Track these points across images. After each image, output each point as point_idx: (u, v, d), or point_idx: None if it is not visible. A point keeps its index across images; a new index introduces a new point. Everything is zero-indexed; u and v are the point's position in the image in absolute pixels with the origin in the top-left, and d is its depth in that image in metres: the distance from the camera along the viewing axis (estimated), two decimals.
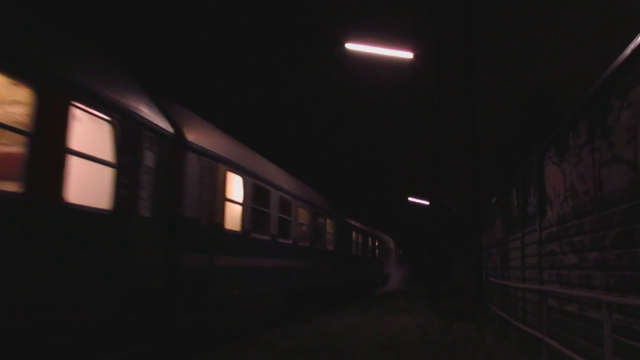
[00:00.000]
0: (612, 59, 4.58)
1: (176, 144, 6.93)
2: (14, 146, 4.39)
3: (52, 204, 4.68)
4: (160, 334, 6.39)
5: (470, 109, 14.14)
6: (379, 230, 29.45)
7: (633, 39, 4.15)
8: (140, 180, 6.14)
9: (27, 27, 4.87)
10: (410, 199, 34.61)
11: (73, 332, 4.99)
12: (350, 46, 12.82)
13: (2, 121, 4.16)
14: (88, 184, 5.31)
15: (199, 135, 7.56)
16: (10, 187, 4.26)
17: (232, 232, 8.39)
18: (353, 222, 19.66)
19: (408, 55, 13.23)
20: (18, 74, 4.37)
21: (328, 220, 15.38)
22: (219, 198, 7.95)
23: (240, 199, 8.80)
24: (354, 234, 19.66)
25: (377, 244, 26.77)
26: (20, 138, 4.34)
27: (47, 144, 4.62)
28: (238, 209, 8.70)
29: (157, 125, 6.48)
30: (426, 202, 28.75)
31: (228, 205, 8.25)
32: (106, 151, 5.53)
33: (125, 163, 5.79)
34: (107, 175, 5.54)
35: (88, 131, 5.29)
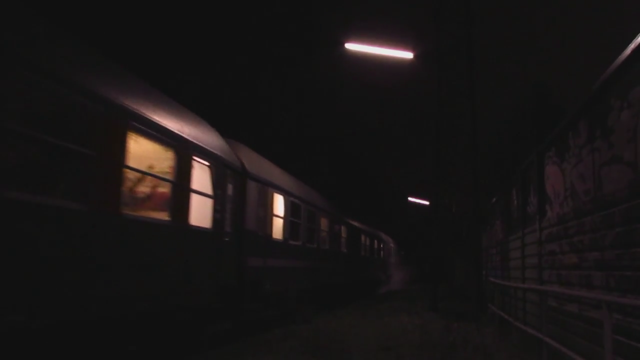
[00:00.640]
0: (612, 59, 4.59)
1: (241, 175, 8.94)
2: (165, 189, 6.50)
3: (184, 227, 6.81)
4: (232, 316, 8.50)
5: (470, 109, 14.15)
6: (382, 232, 30.15)
7: (633, 39, 4.15)
8: (225, 205, 8.18)
9: (176, 114, 6.95)
10: (410, 199, 34.61)
11: (193, 312, 7.21)
12: (350, 46, 12.83)
13: (158, 174, 6.37)
14: (199, 210, 7.31)
15: (255, 166, 9.64)
16: (164, 216, 6.45)
17: (276, 240, 10.58)
18: (362, 226, 21.60)
19: (408, 55, 13.24)
20: (168, 144, 6.53)
21: (342, 227, 17.67)
22: (269, 214, 10.12)
23: (281, 213, 10.97)
24: (362, 237, 21.85)
25: (381, 245, 28.51)
26: (168, 184, 6.49)
27: (182, 186, 6.76)
28: (280, 221, 10.94)
29: (232, 164, 8.50)
30: (426, 202, 28.79)
31: (274, 219, 10.47)
32: (207, 187, 7.61)
33: (218, 194, 7.87)
34: (208, 203, 7.64)
35: (198, 174, 7.29)
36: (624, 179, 4.38)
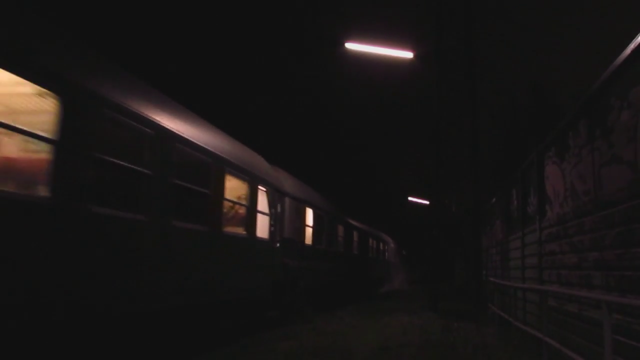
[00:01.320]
0: (612, 59, 4.58)
1: (283, 195, 11.06)
2: (243, 211, 8.95)
3: (253, 238, 9.27)
4: (279, 306, 10.85)
5: (470, 109, 14.14)
6: (383, 232, 30.92)
7: (633, 39, 4.15)
8: (275, 219, 10.47)
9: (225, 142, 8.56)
10: (410, 198, 34.61)
11: (257, 301, 9.67)
12: (350, 46, 12.82)
13: (240, 201, 8.76)
14: (261, 225, 9.65)
15: (291, 187, 11.74)
16: (242, 231, 8.83)
17: (307, 245, 12.93)
18: (366, 229, 23.47)
19: (408, 55, 13.24)
20: (245, 179, 8.88)
21: (354, 232, 20.19)
22: (301, 224, 12.42)
23: (310, 223, 13.27)
24: (367, 239, 24.21)
25: (383, 246, 30.28)
26: (244, 208, 8.91)
27: (252, 209, 9.19)
28: (310, 229, 13.25)
29: (278, 187, 10.73)
30: (426, 202, 28.83)
31: (306, 228, 12.83)
32: (265, 207, 9.95)
33: (271, 212, 10.24)
34: (266, 220, 10.02)
35: (261, 199, 9.67)
36: (624, 179, 4.38)
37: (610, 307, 4.13)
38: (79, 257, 4.82)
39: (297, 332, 9.55)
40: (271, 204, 10.17)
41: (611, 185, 4.69)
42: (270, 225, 10.12)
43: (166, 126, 6.30)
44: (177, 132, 6.56)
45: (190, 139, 6.91)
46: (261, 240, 9.61)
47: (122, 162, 5.50)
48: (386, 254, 31.04)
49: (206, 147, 7.31)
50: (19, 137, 4.38)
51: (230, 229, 8.29)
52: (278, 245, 10.53)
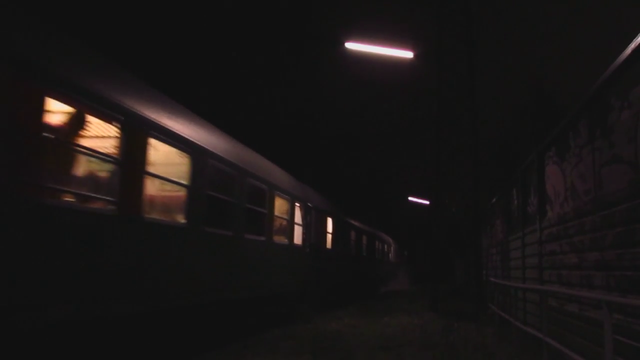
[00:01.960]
0: (612, 58, 4.58)
1: (309, 208, 12.87)
2: (285, 224, 11.00)
3: (292, 245, 11.36)
4: (307, 300, 12.68)
5: (470, 109, 14.13)
6: (383, 232, 31.30)
7: (633, 39, 4.15)
8: (306, 228, 12.51)
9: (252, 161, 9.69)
10: (410, 198, 34.60)
11: (293, 296, 11.63)
12: (350, 45, 12.81)
13: (284, 217, 10.83)
14: (296, 234, 11.69)
15: (314, 200, 13.56)
16: (285, 240, 10.91)
17: (328, 249, 15.02)
18: (370, 230, 24.79)
19: (408, 54, 13.23)
20: (287, 198, 10.99)
21: (364, 236, 22.23)
22: (323, 231, 14.43)
23: (329, 230, 15.20)
24: (370, 241, 25.77)
25: (386, 247, 31.33)
26: (286, 221, 11.02)
27: (291, 221, 11.26)
28: (329, 236, 15.20)
29: (306, 201, 12.65)
30: (426, 202, 28.84)
31: (327, 235, 14.91)
32: (299, 219, 12.01)
33: (304, 223, 12.30)
34: (300, 229, 12.02)
35: (297, 212, 11.77)
36: (624, 179, 4.38)
37: (611, 307, 4.13)
38: (206, 259, 7.34)
39: (297, 332, 9.55)
40: (303, 216, 12.37)
41: (611, 185, 4.69)
42: (303, 233, 12.32)
43: (244, 167, 8.55)
44: (250, 170, 8.83)
45: (257, 174, 9.20)
46: (297, 246, 11.76)
47: (220, 196, 7.72)
48: (387, 254, 31.74)
49: (265, 177, 9.60)
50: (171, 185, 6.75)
51: (277, 238, 10.37)
52: (308, 250, 12.67)
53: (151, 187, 6.08)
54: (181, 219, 6.67)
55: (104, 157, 5.18)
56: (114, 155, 5.23)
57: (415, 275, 42.35)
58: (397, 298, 21.53)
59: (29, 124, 4.27)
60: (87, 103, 4.88)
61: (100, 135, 5.40)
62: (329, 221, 15.16)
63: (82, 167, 5.08)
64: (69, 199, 4.81)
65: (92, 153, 5.00)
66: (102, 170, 5.34)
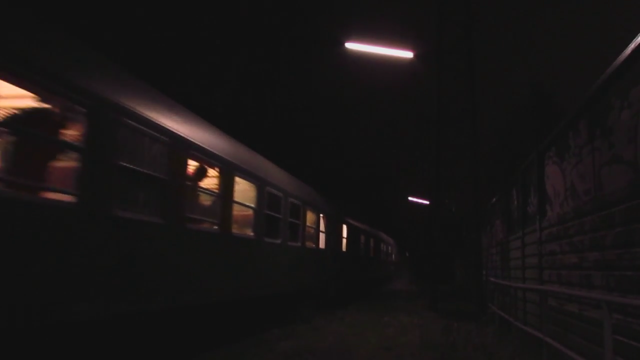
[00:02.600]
0: (612, 58, 4.58)
1: (329, 216, 14.93)
2: (314, 232, 13.26)
3: (319, 249, 13.67)
4: (327, 296, 14.89)
5: (470, 109, 14.13)
6: (384, 233, 31.74)
7: (633, 39, 4.15)
8: (328, 235, 14.74)
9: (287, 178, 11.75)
10: (410, 198, 34.60)
11: (318, 291, 13.71)
12: (350, 46, 12.81)
13: (313, 226, 13.11)
14: (322, 240, 13.88)
15: (332, 210, 15.45)
16: (314, 245, 13.17)
17: (343, 251, 17.19)
18: (374, 232, 26.34)
19: (408, 54, 13.22)
20: (316, 211, 13.27)
21: (371, 239, 24.54)
22: (340, 237, 16.63)
23: (345, 235, 17.48)
24: (382, 245, 28.99)
25: (387, 248, 32.68)
26: (316, 230, 13.38)
27: (319, 230, 13.65)
28: (344, 240, 17.47)
29: (327, 211, 14.65)
30: (426, 202, 28.83)
31: (342, 240, 17.10)
32: (323, 227, 14.11)
33: (326, 230, 14.54)
34: (324, 236, 14.28)
35: (323, 222, 14.11)
36: (624, 179, 4.38)
37: (611, 307, 4.13)
38: (265, 261, 9.50)
39: (297, 332, 9.55)
40: (326, 225, 14.56)
41: (611, 185, 4.69)
42: (327, 239, 14.56)
43: (286, 189, 10.62)
44: (290, 191, 10.91)
45: (294, 193, 11.24)
46: (322, 250, 14.02)
47: (272, 214, 9.73)
48: (389, 254, 32.86)
49: (299, 195, 11.64)
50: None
51: (308, 244, 12.52)
52: (329, 253, 14.85)
53: (235, 210, 8.11)
54: (250, 233, 8.83)
55: (211, 192, 7.58)
56: (216, 191, 7.60)
57: (416, 275, 42.39)
58: (398, 297, 21.54)
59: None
60: (210, 161, 7.40)
61: (209, 176, 7.79)
62: (344, 228, 17.56)
63: (205, 201, 7.68)
64: (206, 225, 7.47)
65: (206, 191, 7.52)
66: (211, 201, 7.66)
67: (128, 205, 5.41)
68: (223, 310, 7.93)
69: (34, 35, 4.46)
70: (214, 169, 7.68)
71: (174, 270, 6.23)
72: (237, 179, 8.08)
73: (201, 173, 7.52)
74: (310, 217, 12.63)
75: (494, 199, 13.69)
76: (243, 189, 8.45)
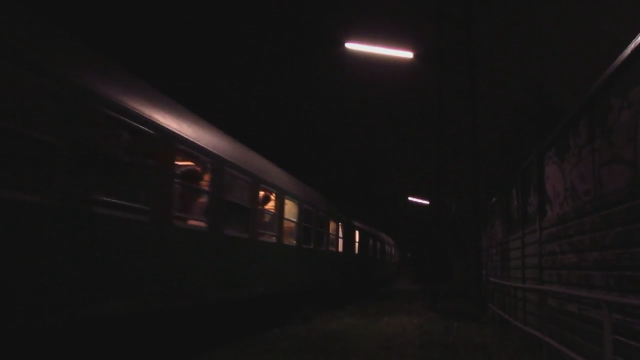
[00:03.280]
0: (612, 59, 4.58)
1: (344, 223, 17.00)
2: (334, 238, 15.76)
3: (338, 252, 16.21)
4: (340, 293, 16.87)
5: (470, 109, 14.13)
6: (386, 234, 31.77)
7: (633, 39, 4.15)
8: (345, 240, 16.74)
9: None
10: (410, 198, 34.60)
11: (333, 287, 15.71)
12: (350, 46, 12.81)
13: (334, 233, 15.66)
14: (340, 243, 16.38)
15: (347, 217, 17.42)
16: (334, 249, 15.77)
17: (355, 254, 19.38)
18: (375, 233, 27.34)
19: (408, 55, 13.22)
20: (336, 221, 15.86)
21: (378, 242, 26.78)
22: (352, 241, 18.83)
23: (357, 239, 19.72)
24: (385, 247, 30.50)
25: (387, 248, 33.13)
26: (334, 236, 15.72)
27: (337, 235, 15.99)
28: (356, 244, 19.64)
29: (343, 219, 16.61)
30: (426, 202, 28.84)
31: (355, 243, 19.34)
32: (340, 234, 16.30)
33: (343, 236, 16.69)
34: (341, 241, 16.54)
35: (340, 229, 16.45)
36: (624, 179, 4.38)
37: (611, 307, 4.13)
38: (303, 264, 12.04)
39: (296, 332, 9.55)
40: (343, 231, 16.69)
41: (611, 185, 4.69)
42: (343, 243, 16.68)
43: (316, 204, 12.71)
44: (319, 205, 13.14)
45: (322, 207, 13.50)
46: (339, 253, 16.13)
47: (308, 225, 12.16)
48: (390, 255, 33.31)
49: (324, 208, 13.81)
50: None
51: (331, 248, 14.94)
52: (345, 256, 16.96)
53: (285, 224, 10.48)
54: (293, 241, 11.18)
55: (271, 212, 9.89)
56: (274, 212, 10.00)
57: (416, 275, 42.40)
58: (398, 297, 21.55)
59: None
60: (267, 189, 9.68)
61: (270, 200, 9.98)
62: (355, 232, 19.75)
63: (269, 219, 9.84)
64: (268, 237, 9.62)
65: (269, 212, 9.86)
66: (270, 218, 9.89)
67: (231, 226, 7.79)
68: (273, 302, 10.40)
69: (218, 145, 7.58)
70: (272, 194, 10.09)
71: (259, 269, 9.03)
72: (286, 200, 10.67)
73: (266, 199, 9.87)
74: (332, 226, 15.21)
75: (494, 199, 13.69)
76: (289, 208, 10.91)
